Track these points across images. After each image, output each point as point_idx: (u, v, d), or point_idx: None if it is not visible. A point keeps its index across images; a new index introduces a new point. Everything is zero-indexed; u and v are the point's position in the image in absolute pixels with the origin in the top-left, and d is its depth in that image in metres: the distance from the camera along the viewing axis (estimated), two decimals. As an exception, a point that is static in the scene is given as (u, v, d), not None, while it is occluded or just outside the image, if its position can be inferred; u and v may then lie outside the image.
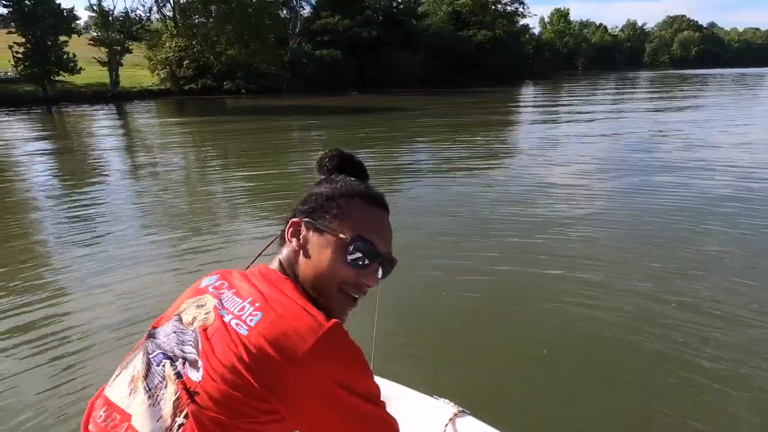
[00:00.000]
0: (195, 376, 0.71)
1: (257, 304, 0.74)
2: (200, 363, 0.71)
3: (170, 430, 0.70)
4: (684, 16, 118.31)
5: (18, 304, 3.69)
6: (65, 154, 12.08)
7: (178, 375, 0.72)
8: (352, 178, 0.87)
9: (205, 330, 0.74)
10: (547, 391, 2.65)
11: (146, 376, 0.75)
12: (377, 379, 0.78)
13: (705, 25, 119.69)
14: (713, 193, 6.54)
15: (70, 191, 7.89)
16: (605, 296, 3.67)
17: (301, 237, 0.82)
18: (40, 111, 23.62)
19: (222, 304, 0.77)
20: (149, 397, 0.73)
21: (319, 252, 0.80)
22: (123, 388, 0.78)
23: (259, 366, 0.68)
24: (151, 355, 0.77)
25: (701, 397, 2.56)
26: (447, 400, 1.39)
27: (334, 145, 0.98)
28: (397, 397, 1.09)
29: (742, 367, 2.78)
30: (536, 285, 3.92)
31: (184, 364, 0.73)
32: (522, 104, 25.10)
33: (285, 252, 0.85)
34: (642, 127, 13.81)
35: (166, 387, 0.72)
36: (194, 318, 0.77)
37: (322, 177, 0.90)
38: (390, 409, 0.79)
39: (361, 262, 0.80)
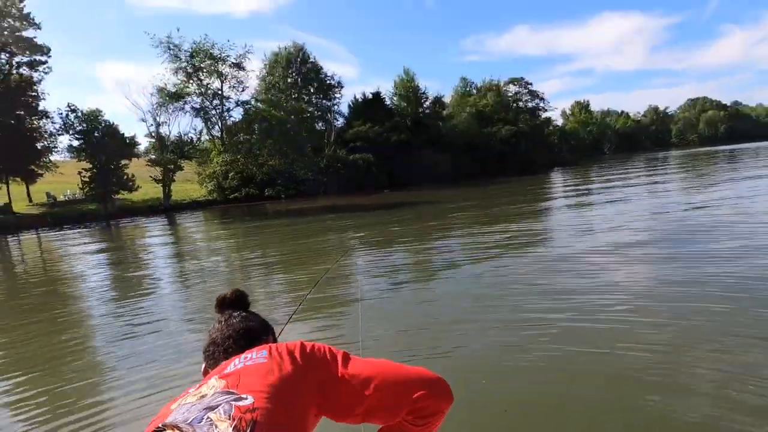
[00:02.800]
0: (245, 402, 0.87)
1: (258, 351, 1.02)
2: (244, 395, 0.88)
3: None
4: (706, 97, 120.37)
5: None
6: (120, 264, 13.04)
7: (227, 412, 0.84)
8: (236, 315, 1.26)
9: (227, 384, 0.93)
10: None
11: None
12: None
13: (729, 104, 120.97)
14: None
15: (123, 298, 8.46)
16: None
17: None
18: (100, 226, 25.78)
19: (228, 367, 1.00)
20: None
21: None
22: None
23: (284, 366, 0.96)
24: (190, 420, 0.83)
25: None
26: None
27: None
28: None
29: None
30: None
31: (227, 404, 0.86)
32: (551, 190, 25.49)
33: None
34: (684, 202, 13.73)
35: (217, 427, 0.81)
36: (207, 390, 0.93)
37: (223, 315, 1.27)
38: None
39: None
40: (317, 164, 37.24)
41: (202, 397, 0.90)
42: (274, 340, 1.24)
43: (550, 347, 4.20)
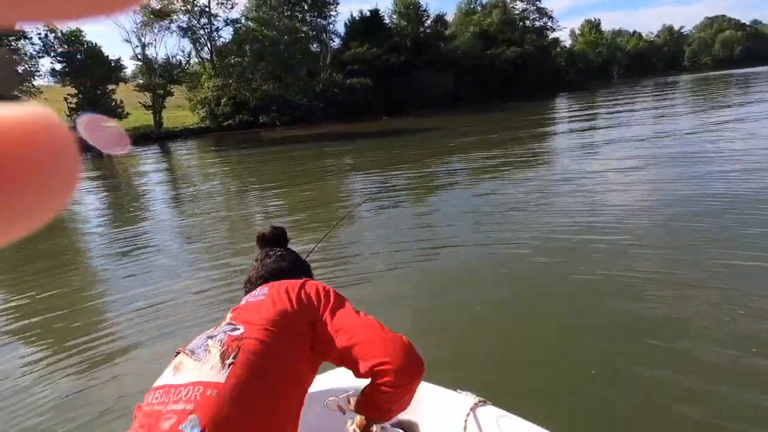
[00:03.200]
0: (237, 332, 0.99)
1: (263, 288, 1.16)
2: (239, 326, 1.01)
3: (223, 368, 0.91)
4: (724, 15, 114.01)
5: (73, 325, 3.97)
6: (115, 192, 12.73)
7: (221, 339, 0.97)
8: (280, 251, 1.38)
9: (232, 317, 1.08)
10: (565, 381, 2.67)
11: (192, 355, 0.97)
12: None
13: (748, 23, 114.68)
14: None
15: (119, 221, 8.25)
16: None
17: None
18: (91, 156, 25.17)
19: (236, 306, 1.15)
20: (198, 362, 0.94)
21: None
22: (166, 376, 0.98)
23: (279, 303, 1.06)
24: (195, 348, 0.99)
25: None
26: (468, 393, 1.45)
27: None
28: (419, 391, 1.15)
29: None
30: (561, 281, 3.92)
31: (223, 333, 1.00)
32: (557, 115, 24.57)
33: None
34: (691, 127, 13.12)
35: (210, 352, 0.95)
36: (215, 326, 1.07)
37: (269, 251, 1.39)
38: (413, 404, 1.11)
39: None
40: (313, 89, 35.71)
41: (216, 327, 1.06)
42: (309, 278, 1.30)
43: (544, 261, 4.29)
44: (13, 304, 4.66)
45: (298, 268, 1.32)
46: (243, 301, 1.14)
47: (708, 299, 3.34)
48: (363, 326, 1.04)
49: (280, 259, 1.31)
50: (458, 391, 1.46)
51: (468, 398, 1.42)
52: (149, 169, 17.24)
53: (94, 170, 18.75)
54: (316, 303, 1.08)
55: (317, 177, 11.72)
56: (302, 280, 1.14)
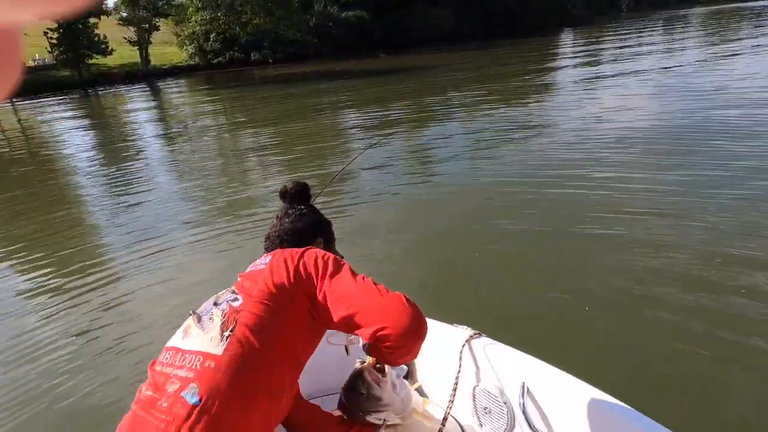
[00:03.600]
0: (236, 303, 1.02)
1: (266, 256, 1.17)
2: (239, 296, 1.04)
3: (221, 340, 0.95)
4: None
5: (72, 277, 3.87)
6: (104, 132, 12.26)
7: (223, 309, 1.01)
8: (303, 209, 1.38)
9: (237, 284, 1.10)
10: (556, 315, 2.77)
11: (198, 322, 1.02)
12: None
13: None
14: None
15: (111, 166, 7.98)
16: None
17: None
18: (77, 96, 24.18)
19: (244, 271, 1.15)
20: (201, 330, 0.99)
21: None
22: (177, 338, 1.04)
23: (277, 275, 1.06)
24: (202, 312, 1.04)
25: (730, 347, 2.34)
26: (464, 326, 1.52)
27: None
28: None
29: None
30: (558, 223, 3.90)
31: (226, 302, 1.03)
32: (560, 55, 23.52)
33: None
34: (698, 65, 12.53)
35: (212, 321, 0.99)
36: (224, 289, 1.10)
37: (296, 206, 1.38)
38: None
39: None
40: (306, 23, 33.87)
41: (224, 291, 1.09)
42: (327, 239, 1.36)
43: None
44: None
45: (315, 228, 1.33)
46: (249, 268, 1.15)
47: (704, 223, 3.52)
48: (361, 293, 1.03)
49: (298, 219, 1.32)
50: (454, 325, 1.53)
51: (463, 331, 1.49)
52: (140, 111, 16.57)
53: (82, 112, 18.06)
54: (313, 273, 1.07)
55: (314, 117, 11.26)
56: (302, 250, 1.13)
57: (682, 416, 1.97)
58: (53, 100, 22.33)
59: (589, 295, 2.88)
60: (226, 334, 0.95)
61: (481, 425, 1.44)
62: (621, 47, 21.13)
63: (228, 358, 0.92)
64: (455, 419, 1.49)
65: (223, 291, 1.09)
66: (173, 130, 11.78)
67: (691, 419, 1.97)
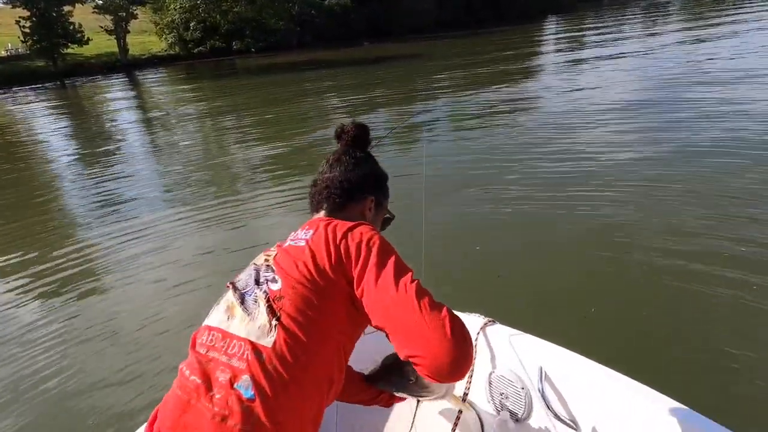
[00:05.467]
0: (275, 286, 0.96)
1: (309, 228, 1.05)
2: (277, 278, 0.97)
3: (270, 329, 0.90)
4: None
5: (67, 269, 3.84)
6: (83, 127, 11.99)
7: (265, 292, 0.95)
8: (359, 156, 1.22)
9: (274, 257, 1.02)
10: (569, 301, 2.79)
11: (242, 303, 0.96)
12: None
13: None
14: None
15: (93, 164, 7.81)
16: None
17: (370, 208, 1.20)
18: (53, 86, 23.53)
19: (284, 241, 1.07)
20: (247, 315, 0.94)
21: (377, 217, 1.23)
22: (220, 317, 0.97)
23: (318, 257, 0.97)
24: (245, 290, 0.98)
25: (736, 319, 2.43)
26: (477, 314, 1.50)
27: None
28: None
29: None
30: (562, 216, 3.88)
31: (266, 283, 0.97)
32: (545, 41, 23.57)
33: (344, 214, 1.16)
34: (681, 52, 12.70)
35: (258, 306, 0.93)
36: (265, 259, 1.04)
37: (349, 151, 1.21)
38: None
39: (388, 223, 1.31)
40: (288, 11, 33.38)
41: (262, 263, 1.02)
42: (379, 199, 1.22)
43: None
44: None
45: (369, 182, 1.19)
46: (287, 242, 1.06)
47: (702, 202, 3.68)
48: (398, 306, 0.90)
49: (351, 168, 1.17)
50: (468, 314, 1.52)
51: (478, 319, 1.48)
52: (119, 101, 16.22)
53: (60, 104, 17.59)
54: (354, 261, 0.96)
55: (296, 104, 11.17)
56: (346, 229, 1.01)
57: (703, 396, 2.00)
58: (29, 91, 21.71)
59: (602, 278, 2.92)
60: (274, 323, 0.91)
61: (498, 411, 1.43)
62: (603, 37, 21.27)
63: (278, 350, 0.89)
64: (472, 406, 1.48)
65: (261, 261, 1.03)
66: (155, 119, 11.60)
67: (713, 398, 2.00)
